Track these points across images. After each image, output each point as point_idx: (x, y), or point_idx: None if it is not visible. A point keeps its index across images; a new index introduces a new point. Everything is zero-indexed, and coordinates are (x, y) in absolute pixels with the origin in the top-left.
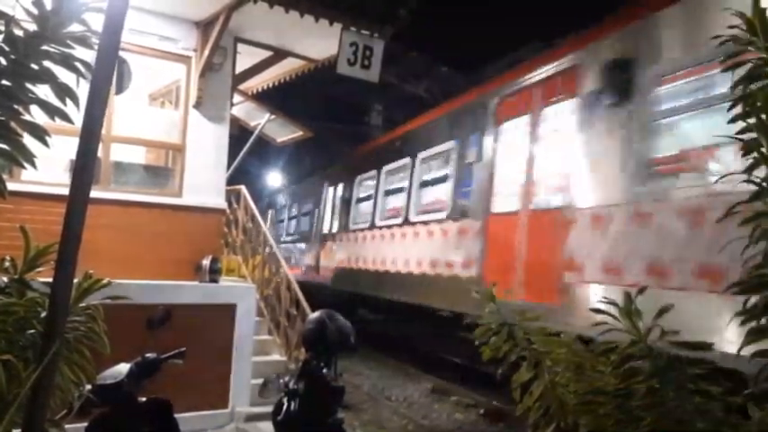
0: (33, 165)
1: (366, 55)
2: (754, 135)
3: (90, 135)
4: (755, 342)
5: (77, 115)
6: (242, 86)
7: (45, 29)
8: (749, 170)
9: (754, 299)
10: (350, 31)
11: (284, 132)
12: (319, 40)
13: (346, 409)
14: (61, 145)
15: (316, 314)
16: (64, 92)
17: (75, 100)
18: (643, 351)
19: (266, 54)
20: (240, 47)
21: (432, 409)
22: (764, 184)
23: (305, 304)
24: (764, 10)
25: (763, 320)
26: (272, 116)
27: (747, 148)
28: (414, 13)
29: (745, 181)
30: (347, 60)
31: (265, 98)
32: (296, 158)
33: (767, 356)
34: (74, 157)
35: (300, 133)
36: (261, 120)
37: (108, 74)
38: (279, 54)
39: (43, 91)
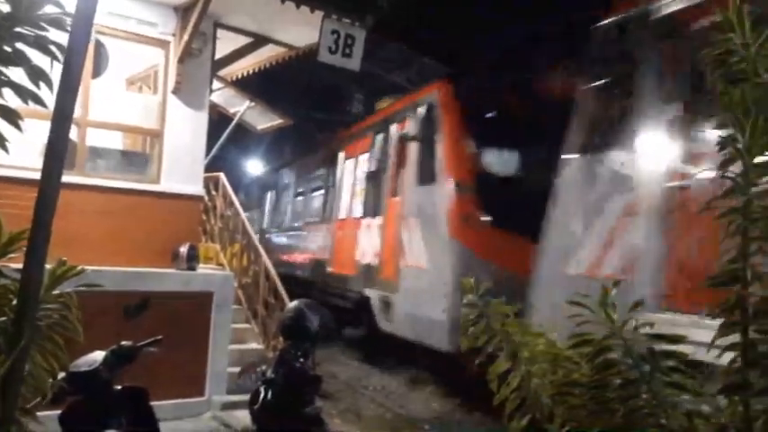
0: (5, 148)
1: (347, 43)
2: (730, 131)
3: (62, 119)
4: (726, 336)
5: (52, 99)
6: (221, 72)
7: (18, 10)
8: (724, 165)
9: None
10: (331, 18)
11: (264, 120)
12: (300, 28)
13: (324, 398)
14: (36, 129)
15: (294, 303)
16: (38, 75)
17: (49, 83)
18: (618, 343)
19: (246, 40)
20: (220, 32)
21: (409, 399)
22: (740, 179)
23: (283, 293)
24: (741, 7)
25: (735, 314)
26: (252, 103)
27: (723, 144)
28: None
29: (721, 176)
30: (328, 48)
31: (245, 85)
32: (276, 146)
33: (737, 350)
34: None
35: (281, 121)
36: (240, 107)
37: (80, 57)
38: (259, 40)
39: (16, 74)
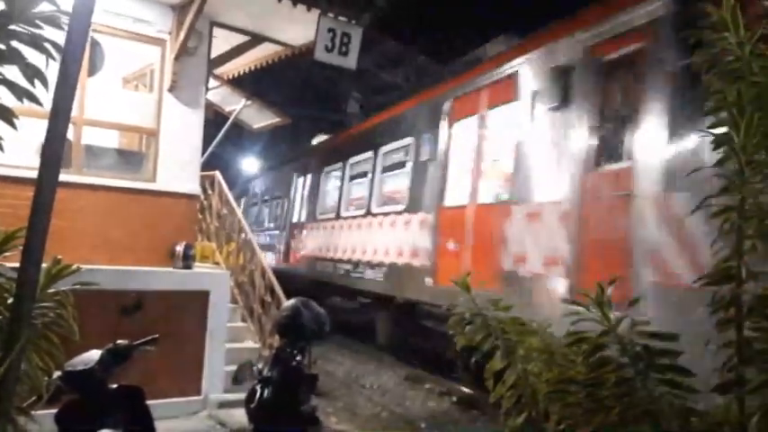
0: (0, 147)
1: (344, 42)
2: (725, 129)
3: (59, 117)
4: (722, 333)
5: (47, 97)
6: (218, 71)
7: (13, 8)
8: (719, 164)
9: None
10: (327, 17)
11: (260, 118)
12: (297, 26)
13: (320, 397)
14: (33, 127)
15: (291, 302)
16: (33, 73)
17: (45, 82)
18: (613, 341)
19: (243, 39)
20: (216, 31)
21: (405, 397)
22: (734, 178)
23: (279, 291)
24: (735, 6)
25: (730, 311)
26: (248, 102)
27: (718, 143)
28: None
29: (715, 175)
30: (325, 47)
31: (242, 83)
32: (272, 145)
33: (732, 347)
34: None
35: (277, 120)
36: (237, 105)
37: (78, 54)
38: (255, 39)
39: (11, 72)
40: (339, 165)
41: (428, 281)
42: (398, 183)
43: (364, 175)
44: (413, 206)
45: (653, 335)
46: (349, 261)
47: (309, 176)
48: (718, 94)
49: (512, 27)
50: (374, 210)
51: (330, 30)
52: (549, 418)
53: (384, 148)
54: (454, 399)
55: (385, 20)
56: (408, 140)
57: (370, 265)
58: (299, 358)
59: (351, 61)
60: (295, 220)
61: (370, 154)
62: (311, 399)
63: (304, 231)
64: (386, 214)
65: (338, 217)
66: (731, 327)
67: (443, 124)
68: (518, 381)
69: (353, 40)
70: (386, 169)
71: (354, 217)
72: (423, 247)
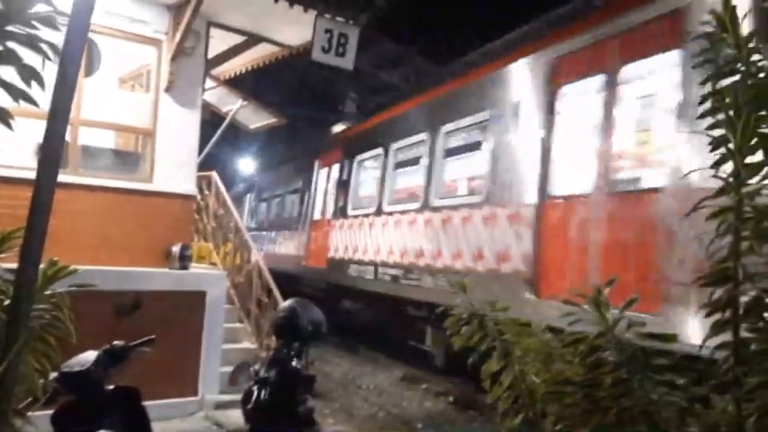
0: None
1: (341, 42)
2: (722, 131)
3: (58, 118)
4: (719, 334)
5: (44, 98)
6: (214, 71)
7: (10, 9)
8: (716, 165)
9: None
10: (324, 17)
11: (257, 119)
12: (294, 26)
13: (317, 398)
14: (29, 128)
15: (288, 302)
16: (30, 74)
17: (41, 83)
18: (610, 342)
19: (240, 39)
20: (213, 31)
21: (402, 397)
22: (731, 179)
23: (276, 292)
24: (735, 7)
25: (727, 313)
26: (245, 102)
27: (716, 144)
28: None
29: (712, 176)
30: (322, 47)
31: (238, 84)
32: (269, 145)
33: (730, 348)
34: (42, 140)
35: (274, 120)
36: (233, 106)
37: (77, 56)
38: (252, 39)
39: (8, 73)
40: (378, 151)
41: (527, 293)
42: (471, 169)
43: (416, 161)
44: (497, 197)
45: (650, 335)
46: (397, 265)
47: (336, 167)
48: (717, 95)
49: (512, 27)
50: (434, 203)
51: (327, 30)
52: (546, 418)
53: (446, 128)
54: (451, 399)
55: (384, 20)
56: (484, 115)
57: (430, 271)
58: (296, 359)
59: (348, 62)
60: (317, 216)
61: (423, 136)
62: (308, 400)
63: (330, 230)
64: (454, 208)
65: (379, 212)
66: (728, 328)
67: (541, 91)
68: (515, 381)
69: (350, 41)
70: (449, 153)
71: (404, 212)
72: (517, 248)
